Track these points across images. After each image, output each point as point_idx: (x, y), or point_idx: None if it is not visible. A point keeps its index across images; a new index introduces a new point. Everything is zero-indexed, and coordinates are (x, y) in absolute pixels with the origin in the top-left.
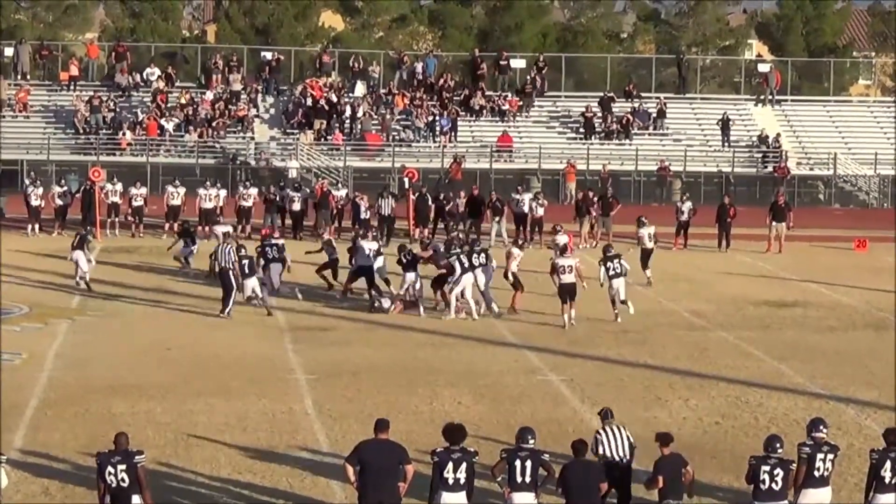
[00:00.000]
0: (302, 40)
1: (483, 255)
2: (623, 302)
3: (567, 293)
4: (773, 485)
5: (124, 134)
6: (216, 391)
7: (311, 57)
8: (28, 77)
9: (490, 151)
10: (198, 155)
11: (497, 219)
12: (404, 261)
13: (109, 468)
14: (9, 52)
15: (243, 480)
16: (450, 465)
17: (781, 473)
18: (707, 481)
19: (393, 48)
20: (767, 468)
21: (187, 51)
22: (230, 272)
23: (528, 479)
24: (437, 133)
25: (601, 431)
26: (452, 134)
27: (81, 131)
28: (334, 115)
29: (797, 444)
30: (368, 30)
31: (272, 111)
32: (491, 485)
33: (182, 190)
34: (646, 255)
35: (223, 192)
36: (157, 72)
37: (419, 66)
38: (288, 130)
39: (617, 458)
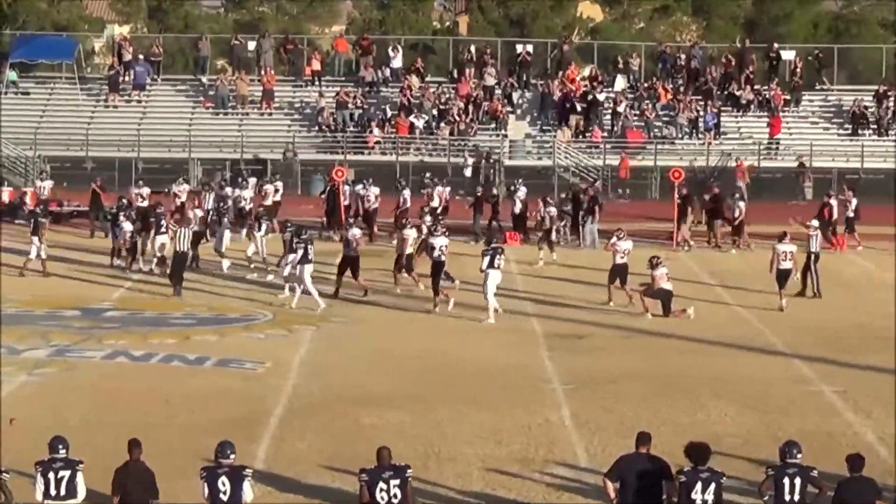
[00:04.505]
0: (559, 32)
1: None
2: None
3: (784, 278)
4: None
5: (371, 131)
6: (468, 401)
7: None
8: (272, 72)
9: (758, 149)
10: (449, 154)
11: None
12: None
13: (381, 484)
14: (251, 45)
15: (497, 496)
16: (698, 486)
17: None
18: None
19: (655, 39)
20: None
21: (439, 44)
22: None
23: (796, 498)
24: (701, 129)
25: None
26: (716, 130)
27: (327, 129)
28: (592, 111)
29: None
30: (629, 20)
31: (526, 107)
32: (756, 502)
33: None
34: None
35: (375, 190)
36: (400, 53)
37: (682, 59)
38: (544, 127)
39: None
